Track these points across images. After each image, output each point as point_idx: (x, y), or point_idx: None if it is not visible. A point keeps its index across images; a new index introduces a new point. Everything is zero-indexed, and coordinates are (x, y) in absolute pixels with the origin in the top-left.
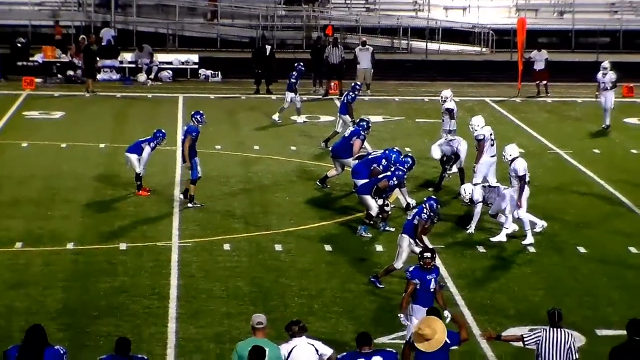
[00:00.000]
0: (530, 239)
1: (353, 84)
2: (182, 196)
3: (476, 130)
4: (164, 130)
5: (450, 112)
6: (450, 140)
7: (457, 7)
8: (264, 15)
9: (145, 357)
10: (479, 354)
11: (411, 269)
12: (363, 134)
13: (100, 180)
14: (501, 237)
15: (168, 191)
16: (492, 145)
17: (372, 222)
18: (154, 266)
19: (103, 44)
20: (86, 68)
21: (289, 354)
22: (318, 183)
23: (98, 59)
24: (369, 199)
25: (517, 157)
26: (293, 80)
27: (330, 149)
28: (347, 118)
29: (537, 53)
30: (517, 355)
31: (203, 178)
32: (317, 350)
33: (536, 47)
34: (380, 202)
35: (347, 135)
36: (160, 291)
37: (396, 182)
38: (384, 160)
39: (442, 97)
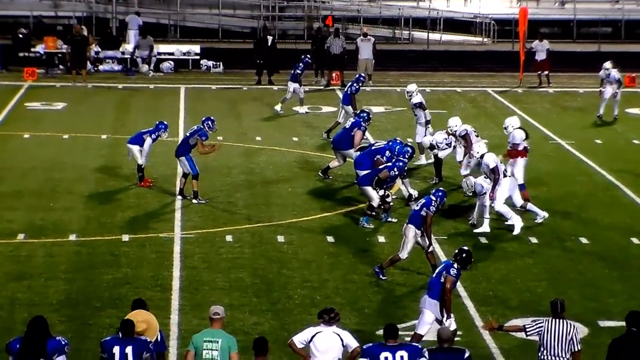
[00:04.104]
0: (485, 228)
1: (357, 75)
2: (179, 196)
3: (456, 131)
4: (165, 122)
5: (419, 105)
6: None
7: None
8: (265, 5)
9: (149, 339)
10: (480, 344)
11: (454, 271)
12: (364, 124)
13: (102, 171)
14: (484, 228)
15: (170, 182)
16: (477, 136)
17: (373, 213)
18: (156, 257)
19: (130, 29)
20: (73, 59)
21: (312, 337)
22: (320, 174)
23: (94, 48)
24: (369, 189)
25: (485, 153)
26: (298, 72)
27: (331, 140)
28: (349, 109)
29: (538, 43)
30: (520, 346)
31: (205, 169)
32: (342, 340)
33: (537, 37)
34: (382, 192)
35: (347, 127)
36: (163, 282)
37: (397, 173)
38: (387, 152)
39: (407, 93)
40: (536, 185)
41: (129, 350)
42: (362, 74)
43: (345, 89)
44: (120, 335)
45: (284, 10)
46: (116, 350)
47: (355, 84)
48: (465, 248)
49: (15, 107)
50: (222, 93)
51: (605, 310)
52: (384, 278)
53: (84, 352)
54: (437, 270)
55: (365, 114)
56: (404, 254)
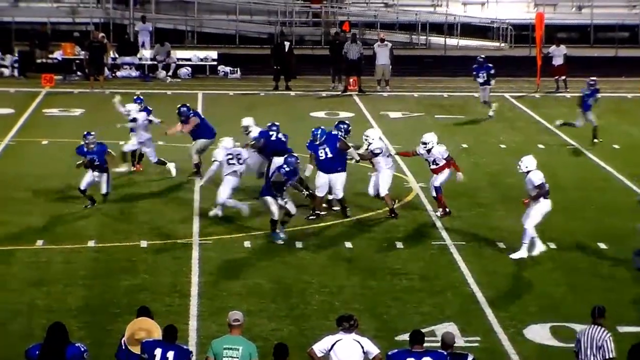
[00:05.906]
0: (522, 253)
1: (588, 80)
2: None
3: (371, 143)
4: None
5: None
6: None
7: (475, 2)
8: (282, 11)
9: (191, 350)
10: (499, 350)
11: None
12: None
13: (119, 177)
14: (521, 253)
15: (187, 188)
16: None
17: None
18: (174, 264)
19: (140, 36)
20: (90, 65)
21: (332, 346)
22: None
23: (112, 54)
24: (270, 201)
25: (533, 170)
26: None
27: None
28: (590, 114)
29: (555, 48)
30: (539, 352)
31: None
32: (362, 347)
33: (554, 42)
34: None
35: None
36: (181, 289)
37: (288, 170)
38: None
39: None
40: (554, 190)
41: (170, 355)
42: (593, 79)
43: (584, 97)
44: (162, 339)
45: (300, 16)
46: (158, 352)
47: (589, 88)
48: None
49: (33, 113)
50: (240, 99)
51: (626, 316)
52: None
53: (102, 358)
54: None
55: (184, 108)
56: None
